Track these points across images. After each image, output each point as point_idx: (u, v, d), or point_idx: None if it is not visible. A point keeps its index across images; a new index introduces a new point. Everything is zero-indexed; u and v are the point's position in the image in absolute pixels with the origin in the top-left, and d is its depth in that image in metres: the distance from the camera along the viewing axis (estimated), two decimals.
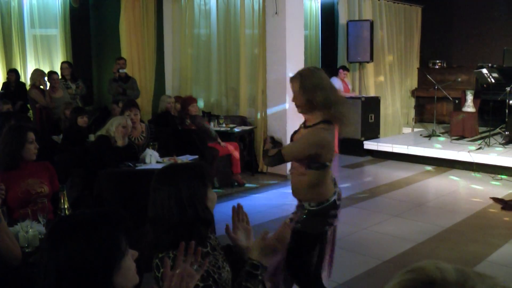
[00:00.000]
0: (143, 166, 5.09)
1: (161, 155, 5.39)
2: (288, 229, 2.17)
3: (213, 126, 8.05)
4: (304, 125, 3.25)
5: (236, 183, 7.63)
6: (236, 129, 8.15)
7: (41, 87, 8.13)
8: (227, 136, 7.88)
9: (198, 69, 9.72)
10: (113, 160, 5.07)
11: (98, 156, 5.09)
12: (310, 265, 3.23)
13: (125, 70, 8.49)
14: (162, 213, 2.03)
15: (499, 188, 7.43)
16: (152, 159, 5.24)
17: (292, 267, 3.24)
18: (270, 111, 8.44)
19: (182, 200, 2.02)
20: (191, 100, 7.48)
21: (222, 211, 6.18)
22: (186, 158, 5.51)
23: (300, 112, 3.19)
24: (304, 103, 3.08)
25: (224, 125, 8.22)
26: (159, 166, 5.00)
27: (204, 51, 9.76)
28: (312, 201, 3.27)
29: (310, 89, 3.03)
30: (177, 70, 9.52)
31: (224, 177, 7.55)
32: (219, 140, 7.44)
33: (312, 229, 3.24)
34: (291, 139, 3.39)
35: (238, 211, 2.37)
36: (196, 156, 5.79)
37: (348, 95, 10.20)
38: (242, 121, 8.77)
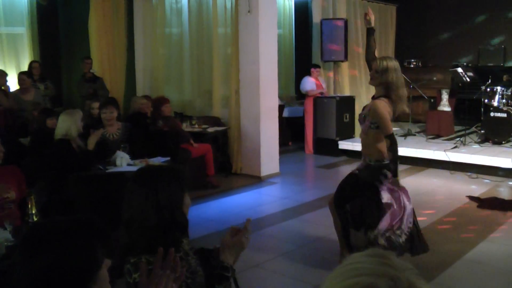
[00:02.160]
0: (114, 169, 5.05)
1: (132, 157, 5.36)
2: (248, 223, 2.19)
3: (185, 127, 8.03)
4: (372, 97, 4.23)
5: (209, 185, 7.62)
6: (209, 130, 8.14)
7: (3, 88, 7.96)
8: (200, 137, 7.86)
9: (170, 69, 9.68)
10: (77, 165, 5.01)
11: (60, 163, 5.03)
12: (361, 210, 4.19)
13: (95, 70, 8.40)
14: (137, 216, 2.02)
15: (475, 186, 7.57)
16: (123, 162, 5.20)
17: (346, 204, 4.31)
18: (243, 111, 8.45)
19: (159, 203, 2.01)
20: (164, 100, 7.44)
21: (195, 214, 6.17)
22: (158, 160, 5.48)
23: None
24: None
25: (197, 126, 8.20)
26: (130, 168, 4.97)
27: (176, 51, 9.72)
28: (371, 156, 4.21)
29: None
30: (148, 70, 9.46)
31: (198, 180, 7.52)
32: (192, 142, 7.41)
33: (365, 178, 4.24)
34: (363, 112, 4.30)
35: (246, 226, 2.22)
36: (168, 158, 5.76)
37: (318, 91, 10.25)
38: (215, 121, 8.76)
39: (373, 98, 4.19)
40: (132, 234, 2.03)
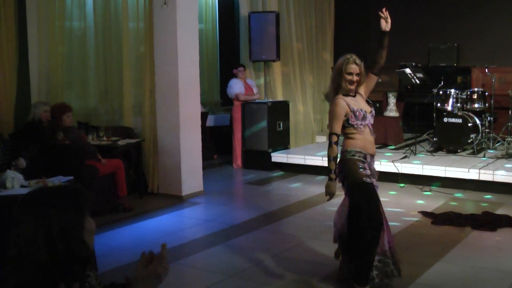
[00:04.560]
0: (3, 192, 4.92)
1: (27, 177, 5.24)
2: (165, 248, 2.22)
3: (91, 140, 7.92)
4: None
5: (121, 208, 7.54)
6: (120, 143, 8.06)
7: None
8: (109, 151, 7.77)
9: (71, 70, 9.49)
10: None
11: None
12: None
13: None
14: (27, 251, 1.95)
15: (428, 200, 7.88)
16: (15, 183, 5.08)
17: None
18: (160, 120, 8.43)
19: (52, 234, 1.95)
20: (65, 108, 7.31)
21: (104, 242, 6.09)
22: (58, 180, 5.40)
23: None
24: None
25: (105, 138, 8.10)
26: (25, 191, 4.85)
27: (78, 49, 9.55)
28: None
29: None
30: (45, 72, 9.24)
31: (107, 202, 7.43)
32: (100, 157, 7.32)
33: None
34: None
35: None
36: (71, 177, 5.68)
37: (248, 98, 10.36)
38: (127, 133, 8.68)
39: (354, 95, 4.80)
40: (21, 273, 1.96)
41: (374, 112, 4.85)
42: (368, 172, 4.68)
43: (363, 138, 4.72)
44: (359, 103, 4.75)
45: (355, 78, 4.69)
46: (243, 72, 10.55)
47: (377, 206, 4.70)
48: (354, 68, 4.70)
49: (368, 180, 4.65)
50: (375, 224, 4.63)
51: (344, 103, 4.66)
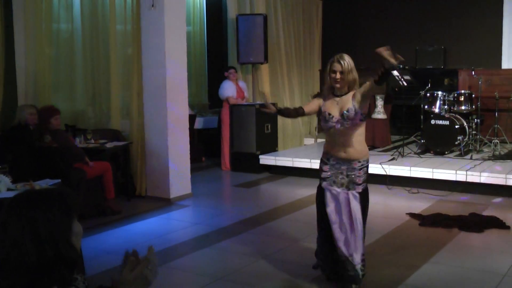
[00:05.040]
0: None
1: (14, 180, 5.22)
2: (152, 252, 2.22)
3: (79, 143, 7.89)
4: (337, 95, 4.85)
5: (109, 211, 7.52)
6: (108, 146, 8.04)
7: None
8: (96, 154, 7.74)
9: (58, 72, 9.46)
10: None
11: None
12: None
13: None
14: (13, 254, 1.94)
15: (416, 202, 7.91)
16: (2, 186, 5.05)
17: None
18: (148, 122, 8.41)
19: (39, 237, 1.95)
20: (53, 111, 7.29)
21: (92, 245, 6.07)
22: (46, 183, 5.38)
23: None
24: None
25: (92, 141, 8.07)
26: (11, 194, 4.83)
27: (65, 51, 9.52)
28: (365, 157, 4.91)
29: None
30: (32, 74, 9.20)
31: (95, 205, 7.41)
32: (87, 160, 7.30)
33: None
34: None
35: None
36: (59, 180, 5.66)
37: (238, 102, 10.38)
38: (115, 135, 8.66)
39: (337, 95, 4.86)
40: (8, 277, 1.95)
41: (345, 119, 4.74)
42: (327, 174, 4.89)
43: (331, 140, 4.91)
44: (334, 106, 4.83)
45: (338, 76, 4.74)
46: (235, 74, 10.56)
47: (324, 210, 4.92)
48: (337, 66, 4.75)
49: (323, 183, 4.91)
50: (321, 226, 5.00)
51: (320, 102, 4.96)
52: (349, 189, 4.80)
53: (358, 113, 4.72)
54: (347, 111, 4.73)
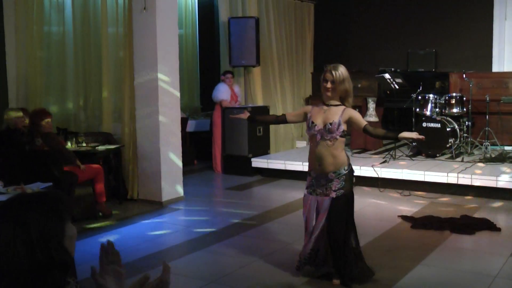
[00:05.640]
0: None
1: (5, 184, 5.20)
2: (168, 271, 2.22)
3: (70, 146, 7.87)
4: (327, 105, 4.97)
5: (101, 214, 7.50)
6: (99, 149, 8.02)
7: None
8: (88, 157, 7.73)
9: (50, 75, 9.44)
10: None
11: None
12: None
13: None
14: (5, 259, 1.92)
15: (408, 205, 7.94)
16: None
17: (342, 232, 4.95)
18: (140, 126, 8.41)
19: (31, 241, 1.93)
20: (44, 114, 7.26)
21: (84, 249, 6.05)
22: (37, 187, 5.36)
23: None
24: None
25: (84, 144, 8.06)
26: (2, 198, 4.82)
27: (57, 54, 9.51)
28: (343, 165, 4.93)
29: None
30: (23, 77, 9.18)
31: (86, 208, 7.39)
32: (79, 163, 7.29)
33: (351, 187, 5.02)
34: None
35: (107, 250, 2.29)
36: (50, 184, 5.64)
37: (231, 106, 10.39)
38: (107, 138, 8.65)
39: (328, 105, 4.96)
40: (1, 281, 1.93)
41: (327, 131, 4.86)
42: (310, 184, 5.09)
43: (311, 152, 5.08)
44: (320, 115, 4.97)
45: (329, 85, 4.85)
46: (231, 80, 10.57)
47: (307, 216, 5.14)
48: (328, 76, 4.86)
49: (305, 190, 5.15)
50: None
51: (309, 109, 5.13)
52: (324, 196, 4.97)
53: (340, 128, 4.84)
54: (331, 123, 4.85)
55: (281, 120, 5.25)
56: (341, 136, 4.89)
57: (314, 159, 4.97)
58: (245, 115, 5.25)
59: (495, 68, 11.59)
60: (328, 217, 4.94)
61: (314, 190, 5.03)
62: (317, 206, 5.02)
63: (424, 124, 9.74)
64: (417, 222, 6.97)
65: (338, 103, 4.93)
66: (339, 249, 4.95)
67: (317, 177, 4.98)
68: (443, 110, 9.91)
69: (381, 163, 9.25)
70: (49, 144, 7.06)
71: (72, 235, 2.07)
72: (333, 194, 4.91)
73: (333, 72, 4.83)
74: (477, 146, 10.04)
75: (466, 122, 9.90)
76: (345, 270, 4.95)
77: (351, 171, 5.05)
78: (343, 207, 4.96)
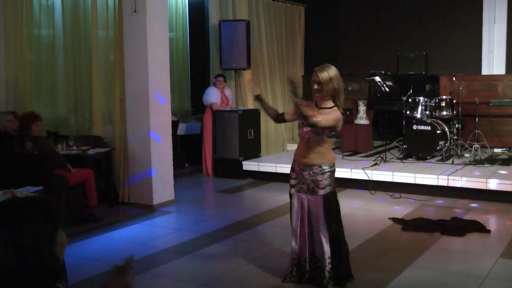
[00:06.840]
0: None
1: None
2: (132, 261, 2.22)
3: (60, 149, 7.85)
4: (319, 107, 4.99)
5: (91, 218, 7.48)
6: (90, 152, 8.01)
7: None
8: (78, 161, 7.72)
9: (39, 78, 9.41)
10: None
11: None
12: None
13: None
14: None
15: (399, 207, 7.97)
16: None
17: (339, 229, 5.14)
18: (130, 129, 8.39)
19: (22, 246, 1.94)
20: (34, 118, 7.24)
21: (74, 253, 6.04)
22: (27, 190, 5.34)
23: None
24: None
25: (74, 148, 8.04)
26: None
27: (47, 57, 9.48)
28: (329, 163, 4.95)
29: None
30: (12, 80, 9.14)
31: (77, 212, 7.37)
32: (69, 167, 7.27)
33: (335, 186, 5.05)
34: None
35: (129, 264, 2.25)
36: (40, 187, 5.62)
37: (221, 109, 10.40)
38: (97, 142, 8.64)
39: (320, 107, 4.99)
40: None
41: (315, 133, 4.89)
42: (293, 182, 5.09)
43: (298, 146, 5.12)
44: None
45: (316, 86, 4.91)
46: (222, 83, 10.58)
47: (292, 215, 5.14)
48: (314, 76, 4.91)
49: (291, 189, 5.12)
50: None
51: (304, 104, 4.97)
52: (313, 194, 4.95)
53: (326, 131, 4.87)
54: None
55: (281, 119, 5.22)
56: (329, 137, 4.91)
57: (301, 153, 5.00)
58: (258, 90, 5.20)
59: (485, 71, 11.67)
60: (324, 216, 4.93)
61: (301, 188, 5.00)
62: (308, 205, 5.01)
63: (415, 127, 9.78)
64: (407, 224, 7.00)
65: (331, 105, 4.94)
66: (336, 246, 5.00)
67: (300, 170, 4.98)
68: (433, 113, 9.94)
69: (371, 166, 9.27)
70: (39, 148, 7.04)
71: (62, 242, 2.07)
72: (322, 192, 4.91)
73: (319, 74, 4.85)
74: (467, 148, 10.08)
75: (456, 125, 9.93)
76: (341, 269, 4.99)
77: (334, 171, 5.05)
78: (335, 205, 5.02)
